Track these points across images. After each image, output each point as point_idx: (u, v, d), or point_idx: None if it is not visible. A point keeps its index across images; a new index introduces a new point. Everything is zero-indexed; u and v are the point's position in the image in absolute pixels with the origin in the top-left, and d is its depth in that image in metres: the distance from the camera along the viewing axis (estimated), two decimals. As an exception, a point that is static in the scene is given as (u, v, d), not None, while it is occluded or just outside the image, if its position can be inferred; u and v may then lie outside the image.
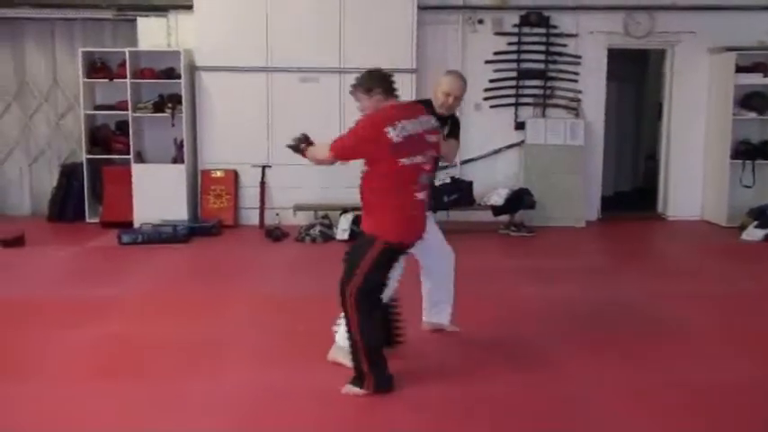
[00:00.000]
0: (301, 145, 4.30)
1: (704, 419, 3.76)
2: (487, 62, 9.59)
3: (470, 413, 3.83)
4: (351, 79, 9.29)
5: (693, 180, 9.94)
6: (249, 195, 9.31)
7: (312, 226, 8.58)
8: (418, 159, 4.02)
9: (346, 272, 4.06)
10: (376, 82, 4.21)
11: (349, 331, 4.00)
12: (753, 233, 8.61)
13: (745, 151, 9.47)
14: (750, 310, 5.76)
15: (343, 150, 4.14)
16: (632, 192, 11.85)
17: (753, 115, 9.46)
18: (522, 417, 3.78)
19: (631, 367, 4.47)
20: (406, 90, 9.13)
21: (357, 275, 3.99)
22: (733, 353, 4.75)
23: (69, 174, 9.41)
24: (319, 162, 4.30)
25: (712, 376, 4.33)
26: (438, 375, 4.33)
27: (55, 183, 9.49)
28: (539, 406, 3.91)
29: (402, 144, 3.95)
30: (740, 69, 9.31)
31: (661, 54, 10.16)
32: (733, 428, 3.65)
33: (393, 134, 3.93)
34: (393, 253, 4.08)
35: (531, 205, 9.03)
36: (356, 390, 3.98)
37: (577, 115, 9.66)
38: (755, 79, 9.41)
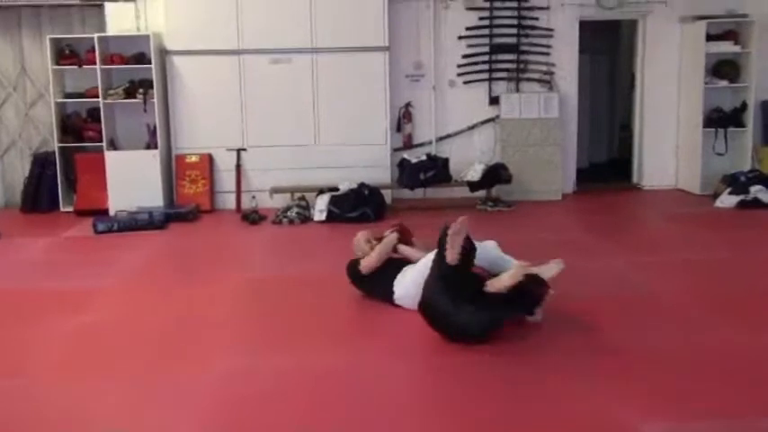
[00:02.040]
0: None
1: (688, 381, 3.80)
2: (460, 38, 9.57)
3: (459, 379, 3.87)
4: (323, 59, 9.42)
5: (667, 149, 10.02)
6: (225, 179, 9.26)
7: (289, 208, 8.55)
8: None
9: None
10: None
11: None
12: (726, 200, 8.70)
13: (718, 119, 9.56)
14: (727, 277, 5.83)
15: None
16: (607, 163, 11.92)
17: (724, 83, 9.54)
18: (489, 385, 3.82)
19: (610, 333, 4.51)
20: (378, 69, 9.14)
21: None
22: (711, 318, 4.81)
23: (41, 163, 9.29)
24: None
25: (692, 340, 4.37)
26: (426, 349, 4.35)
27: (27, 173, 9.37)
28: (509, 377, 3.94)
29: None
30: (711, 38, 9.39)
31: (633, 24, 10.18)
32: (716, 390, 3.69)
33: None
34: None
35: (508, 180, 9.05)
36: None
37: (551, 88, 9.68)
38: (726, 47, 9.49)
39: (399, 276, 5.13)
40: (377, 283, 5.24)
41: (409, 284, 4.97)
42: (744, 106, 9.55)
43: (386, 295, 5.16)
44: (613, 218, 8.65)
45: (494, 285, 4.28)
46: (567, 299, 4.38)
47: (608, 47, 11.80)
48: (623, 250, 6.75)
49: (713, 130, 9.52)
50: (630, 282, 5.72)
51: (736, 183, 8.78)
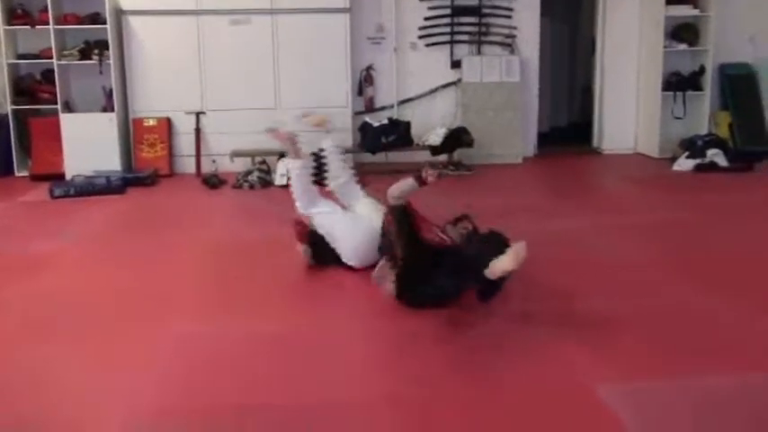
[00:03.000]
0: None
1: (644, 342, 3.85)
2: (422, 0, 9.49)
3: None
4: (283, 20, 9.28)
5: (627, 113, 10.12)
6: (184, 143, 9.14)
7: (250, 172, 8.47)
8: None
9: None
10: None
11: None
12: (683, 163, 8.83)
13: (676, 83, 9.66)
14: (684, 238, 5.91)
15: None
16: (568, 127, 11.99)
17: (683, 47, 9.62)
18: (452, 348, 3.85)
19: (568, 296, 4.55)
20: (339, 31, 9.04)
21: None
22: (669, 279, 4.86)
23: (4, 127, 9.07)
24: None
25: (650, 302, 4.43)
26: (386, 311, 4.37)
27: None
28: (464, 342, 3.97)
29: None
30: (670, 1, 9.43)
31: (593, -13, 10.19)
32: (672, 350, 3.75)
33: None
34: None
35: (469, 143, 9.07)
36: None
37: (513, 52, 9.67)
38: (685, 11, 9.57)
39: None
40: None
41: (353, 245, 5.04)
42: (702, 70, 9.65)
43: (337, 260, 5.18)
44: (573, 181, 8.73)
45: (495, 271, 4.05)
46: (526, 263, 4.40)
47: (569, 11, 11.81)
48: (583, 213, 6.81)
49: (672, 93, 9.62)
50: (590, 244, 5.79)
51: (693, 147, 8.90)
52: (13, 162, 8.97)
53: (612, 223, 6.36)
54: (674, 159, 9.02)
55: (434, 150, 9.06)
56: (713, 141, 8.92)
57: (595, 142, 10.36)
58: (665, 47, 9.45)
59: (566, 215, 6.75)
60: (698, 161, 8.71)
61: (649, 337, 3.95)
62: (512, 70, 9.54)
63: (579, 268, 5.13)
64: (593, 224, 6.35)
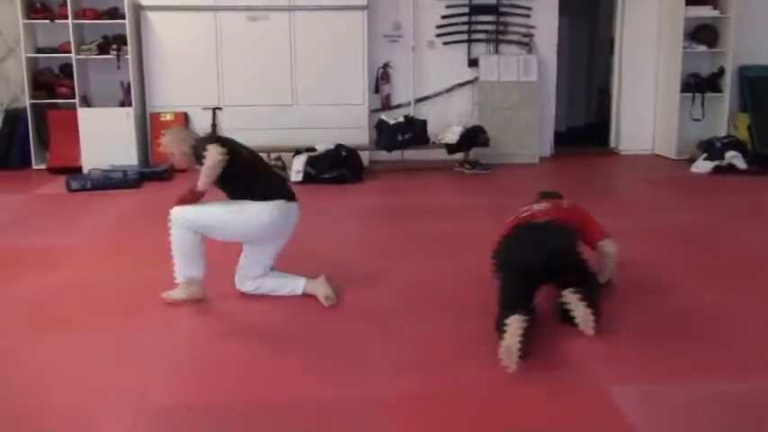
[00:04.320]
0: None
1: (662, 345, 3.82)
2: (439, -2, 9.48)
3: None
4: (301, 17, 9.27)
5: (644, 114, 10.05)
6: (200, 138, 9.13)
7: (266, 168, 8.46)
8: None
9: None
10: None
11: None
12: (701, 165, 8.75)
13: (695, 84, 9.57)
14: (702, 241, 5.87)
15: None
16: (585, 127, 11.93)
17: (702, 48, 9.53)
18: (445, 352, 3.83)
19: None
20: (356, 28, 9.03)
21: None
22: (688, 282, 4.83)
23: (13, 120, 9.13)
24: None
25: (669, 304, 4.39)
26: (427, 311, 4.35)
27: (-2, 128, 9.21)
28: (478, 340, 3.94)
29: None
30: (690, 2, 9.33)
31: (613, -14, 10.12)
32: (690, 354, 3.72)
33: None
34: None
35: (485, 142, 9.03)
36: None
37: (530, 51, 9.63)
38: (705, 12, 9.48)
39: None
40: None
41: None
42: (721, 72, 9.56)
43: None
44: (590, 182, 8.67)
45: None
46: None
47: (588, 10, 11.74)
48: (599, 214, 6.67)
49: (690, 95, 9.54)
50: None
51: (711, 148, 8.82)
52: (31, 155, 9.03)
53: (629, 224, 6.28)
54: (691, 161, 8.95)
55: (450, 149, 9.03)
56: (732, 143, 8.84)
57: (612, 143, 10.30)
58: (684, 48, 9.36)
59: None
60: (716, 163, 8.64)
61: (664, 339, 3.92)
62: (529, 69, 9.49)
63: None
64: (608, 225, 6.28)
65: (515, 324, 3.59)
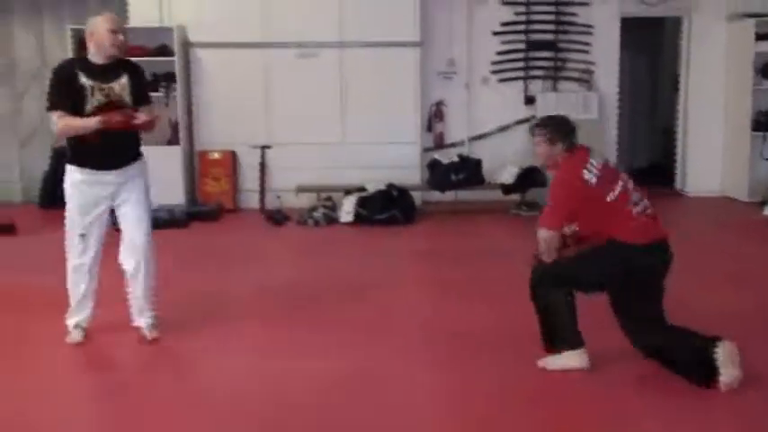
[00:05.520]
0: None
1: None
2: (495, 33, 9.20)
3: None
4: (352, 53, 9.08)
5: (712, 154, 9.59)
6: (249, 177, 8.97)
7: (315, 208, 8.26)
8: (618, 188, 3.87)
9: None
10: (562, 132, 3.98)
11: None
12: (776, 208, 8.29)
13: (766, 122, 9.10)
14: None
15: (556, 222, 3.93)
16: (648, 167, 11.44)
17: (773, 85, 9.09)
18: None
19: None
20: (409, 65, 8.80)
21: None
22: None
23: (61, 157, 8.97)
24: (549, 244, 3.94)
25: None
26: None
27: (47, 167, 9.15)
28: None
29: (600, 180, 3.84)
30: (760, 37, 8.92)
31: (677, 22, 9.73)
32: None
33: (589, 176, 3.84)
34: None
35: (543, 183, 8.64)
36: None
37: (590, 88, 9.28)
38: (776, 47, 9.03)
39: None
40: None
41: None
42: (794, 109, 9.10)
43: None
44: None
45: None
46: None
47: (650, 45, 11.34)
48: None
49: (761, 133, 9.07)
50: (678, 297, 5.31)
51: (786, 190, 8.36)
52: (78, 193, 8.92)
53: (699, 271, 5.88)
54: (764, 203, 8.48)
55: (506, 189, 8.70)
56: (808, 184, 8.36)
57: (678, 183, 9.85)
58: (753, 84, 8.94)
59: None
60: (792, 206, 8.17)
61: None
62: (589, 107, 9.14)
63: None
64: (677, 270, 5.86)
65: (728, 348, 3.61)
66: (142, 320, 4.58)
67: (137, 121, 4.29)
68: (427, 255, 6.88)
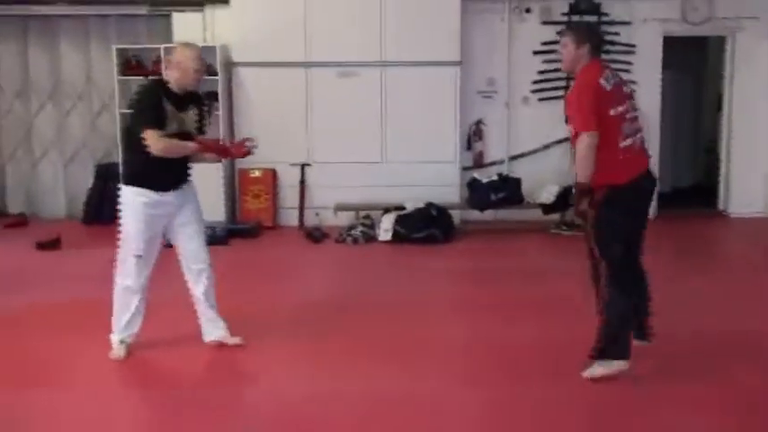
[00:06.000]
0: (574, 191, 4.21)
1: None
2: (536, 53, 9.15)
3: None
4: (393, 72, 9.10)
5: (756, 174, 9.40)
6: (288, 195, 9.01)
7: (353, 226, 8.27)
8: (621, 109, 4.08)
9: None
10: (590, 37, 4.23)
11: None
12: (824, 230, 8.10)
13: (812, 143, 8.94)
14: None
15: (591, 124, 4.03)
16: (691, 187, 11.27)
17: (820, 105, 8.92)
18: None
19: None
20: (449, 84, 8.80)
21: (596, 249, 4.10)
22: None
23: (104, 174, 9.21)
24: (592, 147, 4.04)
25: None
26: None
27: (90, 184, 9.29)
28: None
29: (611, 93, 4.07)
30: (806, 56, 8.79)
31: (721, 41, 9.61)
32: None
33: (605, 84, 4.06)
34: (621, 199, 4.09)
35: (584, 203, 8.57)
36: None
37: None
38: (823, 66, 8.87)
39: None
40: None
41: None
42: (842, 129, 8.91)
43: None
44: (698, 247, 8.12)
45: None
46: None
47: (693, 64, 11.19)
48: (711, 286, 6.21)
49: (808, 154, 8.91)
50: (733, 327, 5.22)
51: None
52: (119, 210, 9.04)
53: (747, 297, 5.76)
54: (810, 225, 8.29)
55: (546, 209, 8.63)
56: None
57: (721, 204, 9.67)
58: (800, 103, 8.79)
59: (689, 283, 6.19)
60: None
61: None
62: (631, 124, 9.02)
63: (716, 341, 4.59)
64: (722, 294, 5.76)
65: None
66: (219, 332, 4.67)
67: (233, 151, 4.40)
68: (466, 274, 6.85)
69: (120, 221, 4.52)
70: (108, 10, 9.15)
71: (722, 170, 9.68)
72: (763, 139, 9.35)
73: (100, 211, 9.13)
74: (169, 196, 4.47)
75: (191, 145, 4.39)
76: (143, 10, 9.10)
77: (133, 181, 4.43)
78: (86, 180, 9.39)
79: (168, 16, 9.05)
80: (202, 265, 4.67)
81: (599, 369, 4.03)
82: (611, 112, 4.01)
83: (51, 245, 7.85)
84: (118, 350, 4.57)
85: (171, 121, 4.36)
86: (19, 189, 9.65)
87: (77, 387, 4.21)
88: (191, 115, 4.52)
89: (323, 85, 8.86)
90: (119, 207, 4.51)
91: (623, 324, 4.05)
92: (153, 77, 4.68)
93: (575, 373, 4.04)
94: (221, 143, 4.44)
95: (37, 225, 8.98)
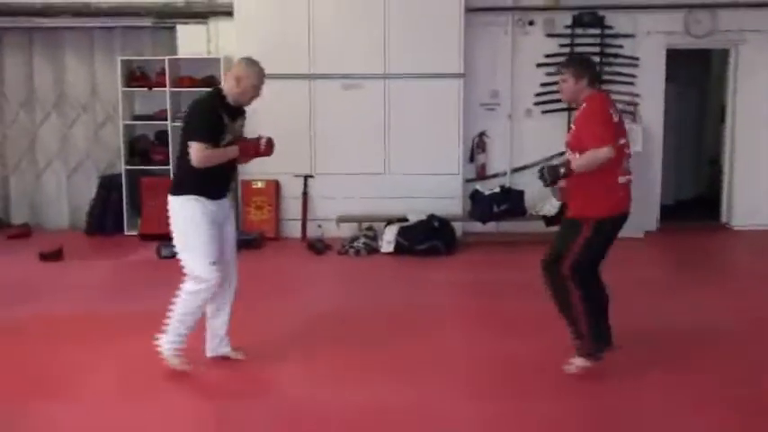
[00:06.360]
0: (561, 171, 4.24)
1: None
2: (539, 65, 9.17)
3: None
4: (396, 85, 9.11)
5: (760, 187, 9.39)
6: (291, 207, 9.02)
7: (356, 238, 8.28)
8: (622, 142, 4.27)
9: (555, 253, 4.40)
10: (588, 70, 4.40)
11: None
12: (827, 243, 8.08)
13: (816, 155, 8.93)
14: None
15: (610, 139, 4.14)
16: (694, 199, 11.26)
17: (823, 117, 8.91)
18: None
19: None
20: (452, 96, 8.81)
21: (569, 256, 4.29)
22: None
23: (108, 185, 9.23)
24: (600, 164, 4.18)
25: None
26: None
27: (93, 194, 9.31)
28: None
29: (617, 125, 4.26)
30: (811, 67, 8.79)
31: (724, 54, 9.62)
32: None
33: (613, 114, 4.27)
34: (607, 228, 4.32)
35: (586, 215, 8.56)
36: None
37: (635, 120, 9.17)
38: (825, 79, 8.87)
39: None
40: None
41: None
42: None
43: None
44: (701, 260, 8.08)
45: None
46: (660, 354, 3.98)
47: (697, 77, 11.20)
48: (715, 299, 6.19)
49: (811, 167, 8.90)
50: (735, 342, 5.21)
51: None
52: (123, 221, 9.07)
53: (755, 313, 5.74)
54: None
55: (548, 221, 8.59)
56: None
57: (724, 217, 9.65)
58: (804, 116, 8.79)
59: (695, 299, 6.16)
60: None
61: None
62: (634, 139, 8.91)
63: (723, 361, 4.58)
64: (729, 310, 5.74)
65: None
66: (225, 349, 4.67)
67: (263, 147, 4.54)
68: (468, 286, 6.85)
69: (180, 236, 4.51)
70: (113, 22, 9.19)
71: (725, 182, 9.67)
72: (766, 151, 9.34)
73: (103, 223, 9.16)
74: (220, 202, 4.53)
75: (230, 149, 4.43)
76: (148, 22, 9.15)
77: (193, 190, 4.42)
78: (90, 191, 9.40)
79: (172, 28, 9.11)
80: (229, 288, 4.65)
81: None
82: (618, 142, 4.16)
83: (54, 256, 7.86)
84: (176, 361, 4.48)
85: (227, 132, 4.43)
86: (23, 200, 9.67)
87: (81, 398, 4.21)
88: (239, 125, 4.60)
89: (327, 97, 8.88)
90: (173, 222, 4.50)
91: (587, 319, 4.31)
92: (211, 89, 4.70)
93: (580, 387, 4.03)
94: (259, 142, 4.47)
95: (40, 236, 9.00)
